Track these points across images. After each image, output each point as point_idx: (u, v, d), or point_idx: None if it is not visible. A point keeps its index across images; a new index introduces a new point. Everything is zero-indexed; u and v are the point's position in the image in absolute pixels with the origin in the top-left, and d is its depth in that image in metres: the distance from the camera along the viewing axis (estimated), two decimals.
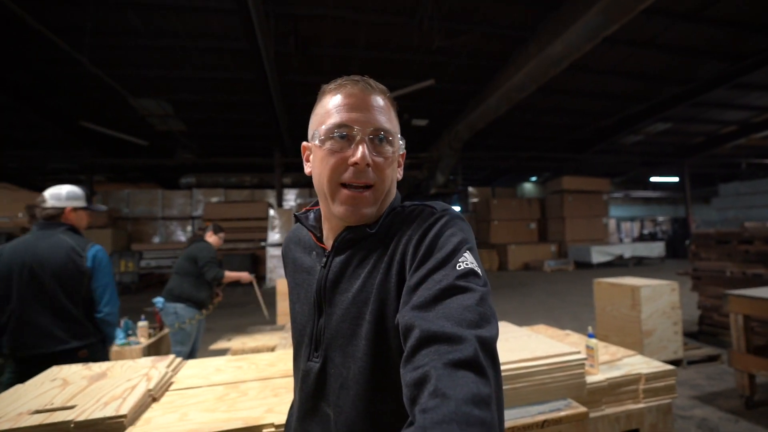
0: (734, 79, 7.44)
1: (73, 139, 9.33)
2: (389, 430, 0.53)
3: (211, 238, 3.04)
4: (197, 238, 3.06)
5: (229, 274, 2.98)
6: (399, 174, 0.66)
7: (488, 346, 0.42)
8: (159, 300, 2.86)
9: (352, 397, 0.54)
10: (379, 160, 0.58)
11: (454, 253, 0.50)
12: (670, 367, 1.63)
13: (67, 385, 1.18)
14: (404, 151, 0.65)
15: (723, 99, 9.15)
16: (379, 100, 0.60)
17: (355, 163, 0.56)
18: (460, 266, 0.48)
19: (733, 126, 11.46)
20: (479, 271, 0.49)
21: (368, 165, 0.56)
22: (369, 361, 0.53)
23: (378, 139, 0.58)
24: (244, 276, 3.12)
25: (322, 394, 0.59)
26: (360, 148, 0.56)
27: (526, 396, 1.32)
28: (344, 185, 0.57)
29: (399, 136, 0.62)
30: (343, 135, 0.57)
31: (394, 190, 0.64)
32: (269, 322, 4.27)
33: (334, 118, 0.57)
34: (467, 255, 0.50)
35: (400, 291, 0.53)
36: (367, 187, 0.58)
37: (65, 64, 6.39)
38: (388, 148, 0.59)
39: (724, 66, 7.34)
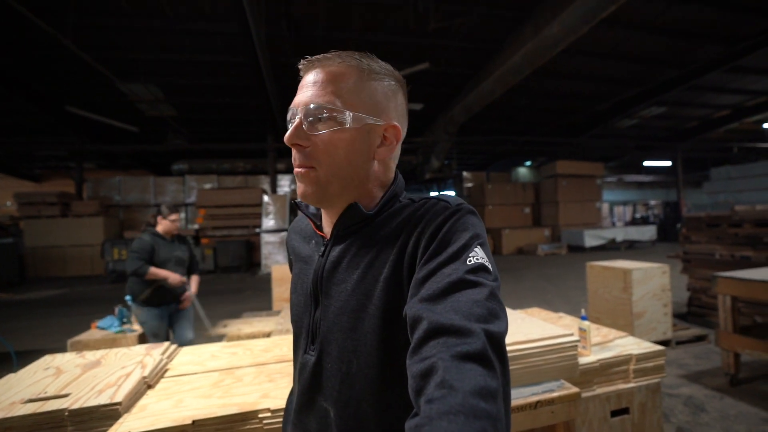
0: (731, 62, 7.40)
1: (61, 125, 9.11)
2: (398, 421, 0.52)
3: (161, 224, 2.70)
4: (145, 227, 2.75)
5: (155, 271, 2.57)
6: (387, 153, 0.59)
7: (496, 341, 0.41)
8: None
9: (359, 392, 0.54)
10: (318, 139, 0.54)
11: (465, 248, 0.49)
12: (659, 347, 1.67)
13: (61, 374, 1.18)
14: (385, 123, 0.57)
15: (718, 83, 9.13)
16: (320, 75, 0.55)
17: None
18: (470, 261, 0.48)
19: (726, 110, 11.48)
20: (490, 267, 0.49)
21: (302, 146, 0.55)
22: (377, 355, 0.52)
23: (316, 117, 0.54)
24: (173, 277, 2.60)
25: (319, 387, 0.58)
26: (290, 128, 0.55)
27: (520, 378, 1.34)
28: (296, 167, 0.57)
29: (350, 112, 0.54)
30: (290, 120, 0.57)
31: (360, 172, 0.57)
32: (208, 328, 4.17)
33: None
34: (478, 250, 0.49)
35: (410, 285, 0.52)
36: (308, 167, 0.55)
37: (50, 47, 6.18)
38: (327, 125, 0.54)
39: (721, 49, 7.29)
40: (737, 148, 15.05)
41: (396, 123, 0.59)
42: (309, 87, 0.55)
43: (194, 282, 2.90)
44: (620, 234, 12.46)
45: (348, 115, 0.54)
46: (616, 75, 8.46)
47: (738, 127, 12.57)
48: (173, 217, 2.71)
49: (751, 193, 10.36)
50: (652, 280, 3.29)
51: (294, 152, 0.56)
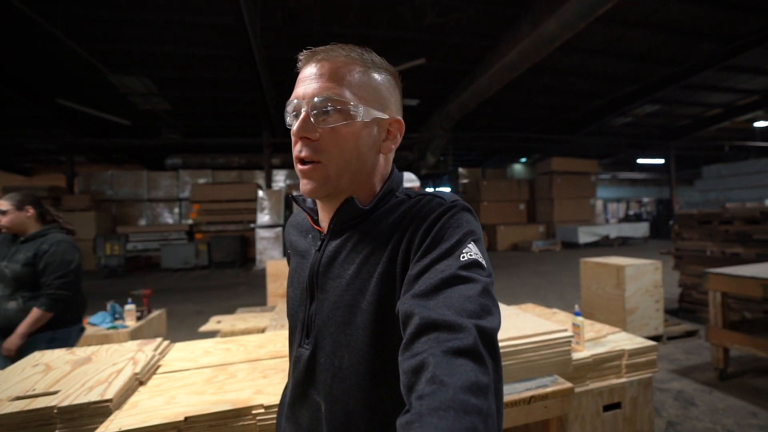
0: (724, 61, 7.46)
1: (52, 118, 8.96)
2: (388, 419, 0.52)
3: None
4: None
5: None
6: (392, 147, 0.60)
7: (488, 337, 0.41)
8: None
9: (348, 388, 0.53)
10: (327, 132, 0.53)
11: (459, 244, 0.49)
12: (651, 343, 1.68)
13: (50, 371, 1.16)
14: (390, 117, 0.58)
15: (711, 81, 9.21)
16: (326, 66, 0.54)
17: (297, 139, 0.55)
18: (463, 257, 0.47)
19: (718, 109, 11.59)
20: (483, 263, 0.48)
21: (309, 139, 0.54)
22: (369, 351, 0.52)
23: (322, 110, 0.53)
24: None
25: (312, 381, 0.58)
26: (297, 122, 0.54)
27: (514, 373, 1.34)
28: (299, 162, 0.56)
29: (360, 104, 0.54)
30: (293, 112, 0.55)
31: (367, 165, 0.57)
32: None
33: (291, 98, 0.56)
34: (472, 246, 0.49)
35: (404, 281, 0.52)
36: (315, 162, 0.54)
37: (40, 38, 6.06)
38: (337, 118, 0.53)
39: (716, 47, 7.34)
40: (728, 147, 15.20)
41: (399, 117, 0.59)
42: (313, 79, 0.54)
43: (25, 321, 1.72)
44: (614, 231, 12.59)
45: (360, 109, 0.54)
46: (611, 72, 8.49)
47: (729, 126, 12.70)
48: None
49: (742, 191, 10.50)
50: (645, 277, 3.32)
51: (299, 146, 0.55)
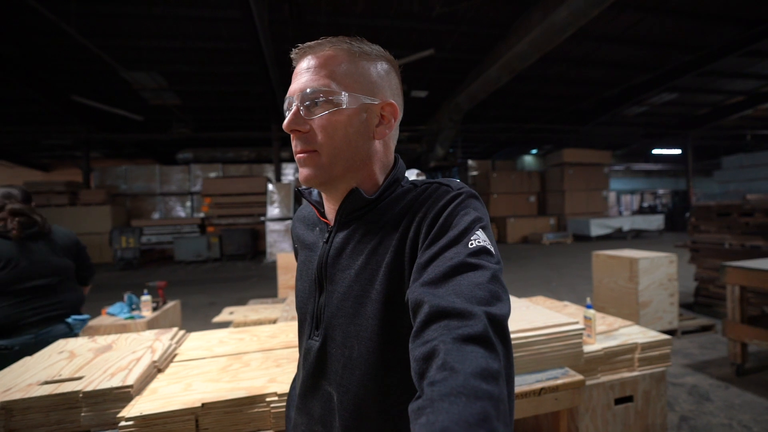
0: (746, 46, 7.17)
1: (67, 114, 9.15)
2: (398, 407, 0.53)
3: None
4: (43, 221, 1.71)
5: None
6: (386, 132, 0.59)
7: (498, 323, 0.41)
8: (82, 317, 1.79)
9: (359, 377, 0.54)
10: (316, 123, 0.55)
11: (467, 232, 0.49)
12: (665, 336, 1.66)
13: (74, 357, 1.21)
14: (382, 102, 0.57)
15: (732, 67, 8.88)
16: (313, 60, 0.55)
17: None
18: (472, 244, 0.47)
19: (740, 96, 11.19)
20: (492, 250, 0.48)
21: (300, 131, 0.55)
22: (378, 340, 0.53)
23: (313, 101, 0.54)
24: None
25: (323, 372, 0.59)
26: (287, 116, 0.56)
27: (525, 365, 1.35)
28: (297, 154, 0.57)
29: (346, 92, 0.54)
30: (288, 109, 0.57)
31: (360, 152, 0.57)
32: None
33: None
34: (480, 233, 0.49)
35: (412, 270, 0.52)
36: (310, 151, 0.55)
37: (53, 35, 6.16)
38: (324, 107, 0.54)
39: (737, 32, 7.06)
40: (751, 136, 14.72)
41: (392, 101, 0.59)
42: (303, 74, 0.56)
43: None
44: (627, 223, 12.35)
45: (344, 96, 0.54)
46: (625, 60, 8.26)
47: (752, 114, 12.26)
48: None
49: (764, 182, 10.15)
50: (659, 270, 3.27)
51: (294, 139, 0.56)
